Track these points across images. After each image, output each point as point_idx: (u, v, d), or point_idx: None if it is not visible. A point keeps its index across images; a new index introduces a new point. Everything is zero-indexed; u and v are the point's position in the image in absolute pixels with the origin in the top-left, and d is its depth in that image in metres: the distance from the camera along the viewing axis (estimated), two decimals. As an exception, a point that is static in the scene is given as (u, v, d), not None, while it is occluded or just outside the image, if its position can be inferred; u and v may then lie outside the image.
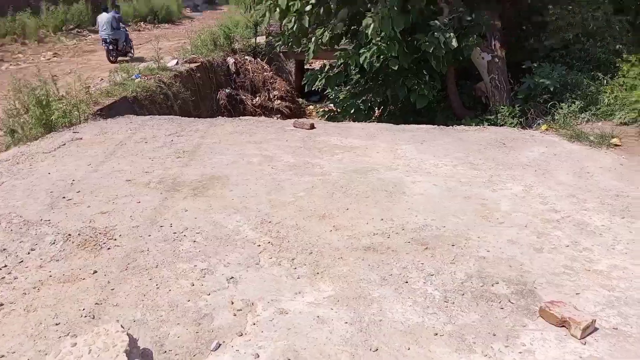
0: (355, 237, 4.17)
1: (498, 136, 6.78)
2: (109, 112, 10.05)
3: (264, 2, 8.85)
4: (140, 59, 15.77)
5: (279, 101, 16.67)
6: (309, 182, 5.32)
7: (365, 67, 8.20)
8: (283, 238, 4.18)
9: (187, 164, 5.89)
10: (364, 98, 9.44)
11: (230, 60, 16.21)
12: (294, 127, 7.35)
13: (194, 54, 15.11)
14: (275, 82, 16.95)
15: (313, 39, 8.59)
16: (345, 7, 8.25)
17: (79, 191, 5.14)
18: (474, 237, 4.12)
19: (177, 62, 14.28)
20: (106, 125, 7.58)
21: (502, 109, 8.67)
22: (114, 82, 11.23)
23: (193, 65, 14.24)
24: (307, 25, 8.37)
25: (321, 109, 10.94)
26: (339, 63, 9.25)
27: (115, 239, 4.16)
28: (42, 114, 7.49)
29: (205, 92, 14.58)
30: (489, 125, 8.57)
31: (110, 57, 14.56)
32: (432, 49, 7.89)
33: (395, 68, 8.10)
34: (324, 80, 9.62)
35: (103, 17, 14.59)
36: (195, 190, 5.16)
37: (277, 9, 8.55)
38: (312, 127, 7.27)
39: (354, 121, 9.93)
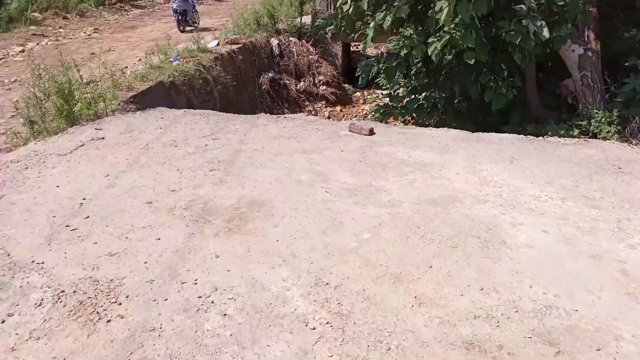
0: (449, 321, 2.89)
1: (608, 155, 5.29)
2: (143, 98, 8.95)
3: None
4: (206, 29, 15.47)
5: (324, 87, 15.32)
6: (374, 217, 4.03)
7: (433, 59, 6.76)
8: (347, 316, 2.93)
9: (222, 180, 4.69)
10: (426, 94, 8.01)
11: (274, 41, 14.89)
12: (350, 132, 6.03)
13: (236, 34, 13.84)
14: (321, 66, 15.57)
15: (372, 24, 7.17)
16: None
17: (87, 217, 4.01)
18: (626, 334, 2.77)
19: (218, 42, 13.05)
20: (134, 121, 6.43)
21: (596, 113, 7.11)
22: (150, 64, 10.12)
23: (235, 47, 13.00)
24: (365, 8, 6.95)
25: (374, 103, 9.51)
26: (400, 52, 7.83)
27: (120, 303, 3.00)
28: (63, 105, 6.42)
29: (247, 76, 13.35)
30: (580, 132, 7.04)
31: (180, 27, 14.85)
32: (518, 40, 6.39)
33: (472, 62, 6.64)
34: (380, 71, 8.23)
35: None
36: (230, 222, 3.95)
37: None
38: (371, 132, 5.94)
39: (413, 119, 8.55)
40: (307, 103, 15.05)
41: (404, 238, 3.74)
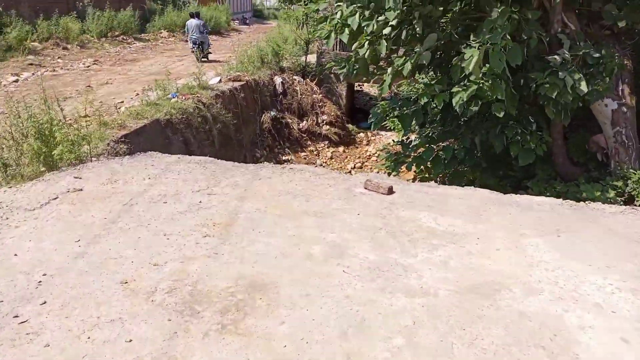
0: None
1: (669, 230, 4.49)
2: (135, 138, 8.15)
3: (329, 21, 6.77)
4: (216, 61, 16.25)
5: (327, 127, 14.62)
6: (406, 312, 3.16)
7: (457, 109, 6.00)
8: None
9: (217, 251, 3.82)
10: (443, 144, 7.24)
11: (278, 79, 14.25)
12: (366, 189, 5.21)
13: (238, 71, 13.20)
14: (325, 106, 14.91)
15: (390, 70, 6.45)
16: (435, 32, 6.10)
17: (44, 302, 3.12)
18: None
19: (220, 79, 12.38)
20: (119, 168, 5.58)
21: (633, 173, 6.35)
22: (146, 101, 9.37)
23: (237, 84, 12.32)
24: (383, 52, 6.24)
25: (383, 149, 8.74)
26: (419, 99, 7.11)
27: None
28: (41, 148, 5.59)
29: (249, 114, 12.62)
30: (616, 194, 6.25)
31: (199, 58, 15.33)
32: (554, 93, 5.66)
33: (500, 115, 5.90)
34: (395, 118, 7.49)
35: (192, 23, 16.10)
36: (225, 315, 3.06)
37: (346, 30, 6.47)
38: (390, 191, 5.12)
39: (427, 170, 7.75)
40: (309, 143, 14.31)
41: (447, 346, 2.86)
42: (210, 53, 16.66)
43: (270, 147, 13.20)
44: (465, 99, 5.78)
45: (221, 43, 23.57)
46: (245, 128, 12.39)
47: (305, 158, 13.81)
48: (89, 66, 15.56)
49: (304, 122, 14.40)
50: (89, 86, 12.66)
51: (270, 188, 5.10)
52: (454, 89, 5.96)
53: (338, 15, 6.59)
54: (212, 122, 10.52)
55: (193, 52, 15.95)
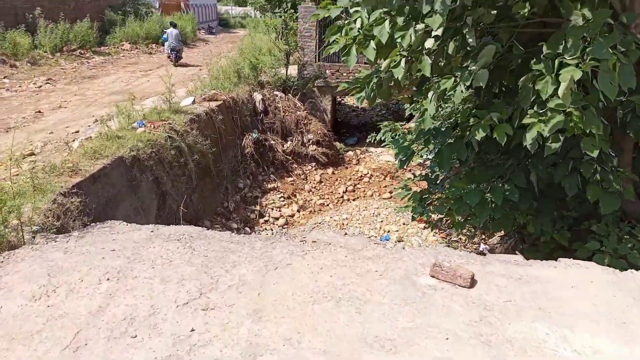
0: None
1: None
2: (92, 186, 6.14)
3: (346, 32, 4.96)
4: (184, 65, 17.80)
5: (314, 147, 12.81)
6: None
7: (528, 146, 4.31)
8: None
9: None
10: (490, 184, 5.54)
11: (258, 96, 12.36)
12: (433, 277, 3.45)
13: (214, 89, 11.25)
14: (310, 124, 13.09)
15: (431, 95, 4.70)
16: (492, 43, 4.38)
17: None
18: None
19: (194, 99, 10.41)
20: (63, 260, 3.59)
21: None
22: (106, 134, 7.33)
23: (213, 105, 10.37)
24: (428, 73, 4.48)
25: (403, 185, 6.96)
26: (456, 126, 5.43)
27: None
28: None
29: (228, 139, 10.69)
30: None
31: (174, 62, 17.15)
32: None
33: (594, 154, 4.25)
34: (426, 151, 5.77)
35: (173, 32, 17.09)
36: None
37: (371, 43, 4.69)
38: (472, 283, 3.37)
39: (455, 213, 6.02)
40: (295, 166, 12.47)
41: None
42: (182, 58, 17.93)
43: (253, 174, 11.29)
44: (547, 133, 4.10)
45: (188, 54, 21.41)
46: (225, 155, 10.45)
47: (292, 184, 11.97)
48: (40, 86, 13.26)
49: (289, 142, 12.56)
50: (38, 112, 10.46)
51: (294, 286, 3.27)
52: (527, 120, 4.26)
53: (358, 24, 4.80)
54: (188, 153, 8.56)
55: (169, 58, 17.41)
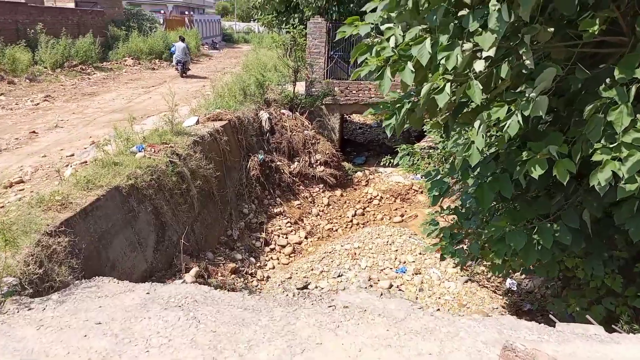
0: None
1: None
2: (83, 222, 5.40)
3: (377, 53, 4.20)
4: (191, 76, 18.40)
5: (322, 167, 12.07)
6: None
7: (598, 189, 3.55)
8: None
9: None
10: (537, 224, 4.76)
11: (264, 115, 11.65)
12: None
13: (218, 107, 10.55)
14: (318, 143, 12.37)
15: (478, 124, 3.95)
16: (551, 66, 3.63)
17: None
18: None
19: (198, 119, 9.69)
20: (34, 336, 2.83)
21: None
22: (101, 160, 6.58)
23: (218, 125, 9.65)
24: (478, 100, 3.72)
25: (429, 218, 6.16)
26: (495, 157, 4.70)
27: None
28: None
29: (233, 161, 9.95)
30: None
31: (181, 74, 17.95)
32: None
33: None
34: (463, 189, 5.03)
35: (180, 45, 17.66)
36: None
37: (408, 65, 3.95)
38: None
39: (505, 261, 5.26)
40: (302, 188, 11.72)
41: None
42: (190, 70, 18.76)
43: (259, 198, 10.54)
44: (625, 174, 3.34)
45: (192, 71, 20.79)
46: (229, 178, 9.70)
47: (299, 207, 11.20)
48: (38, 103, 12.56)
49: (295, 163, 11.82)
50: (33, 132, 9.73)
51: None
52: (597, 157, 3.51)
53: (392, 43, 4.07)
54: (191, 179, 7.82)
55: (176, 69, 18.21)
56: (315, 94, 12.78)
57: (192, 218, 7.88)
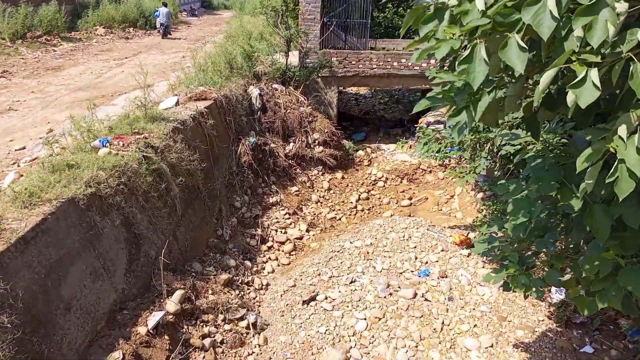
0: None
1: None
2: (21, 255, 3.85)
3: (452, 20, 2.62)
4: (177, 39, 18.90)
5: (320, 148, 10.57)
6: None
7: None
8: None
9: None
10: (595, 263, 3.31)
11: (254, 91, 9.98)
12: None
13: (201, 84, 8.85)
14: (315, 121, 10.79)
15: (625, 128, 2.42)
16: None
17: None
18: None
19: (177, 100, 8.02)
20: None
21: None
22: (51, 163, 4.94)
23: (202, 106, 7.99)
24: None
25: (486, 242, 4.66)
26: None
27: None
28: None
29: (221, 147, 8.35)
30: None
31: (163, 36, 18.71)
32: None
33: None
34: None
35: (164, 10, 18.74)
36: None
37: (514, 38, 2.38)
38: None
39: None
40: (299, 171, 10.22)
41: None
42: (171, 34, 19.48)
43: (252, 188, 9.01)
44: None
45: (169, 39, 18.71)
46: (217, 168, 8.13)
47: (297, 194, 9.73)
48: (-8, 81, 10.67)
49: (291, 144, 10.27)
50: (-20, 118, 8.01)
51: None
52: None
53: (480, 4, 2.49)
54: (171, 176, 6.25)
55: (159, 32, 18.98)
56: (310, 66, 11.10)
57: (175, 223, 6.36)
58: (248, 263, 7.39)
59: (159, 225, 5.94)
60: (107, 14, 19.41)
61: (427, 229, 8.05)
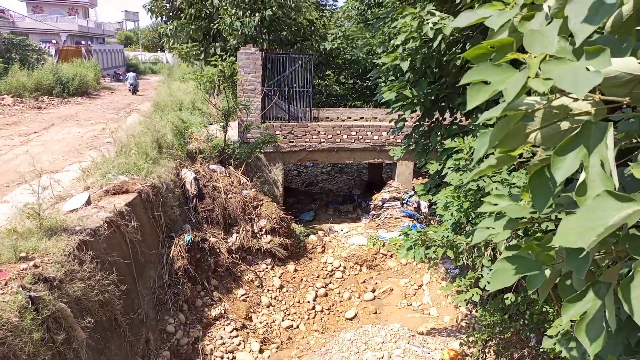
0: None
1: None
2: None
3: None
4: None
5: (268, 237, 8.94)
6: None
7: None
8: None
9: None
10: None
11: (189, 175, 8.29)
12: None
13: (122, 173, 7.04)
14: (261, 205, 9.22)
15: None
16: None
17: None
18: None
19: (89, 197, 6.15)
20: None
21: None
22: None
23: (122, 202, 6.17)
24: None
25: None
26: None
27: None
28: None
29: (148, 254, 6.49)
30: None
31: (133, 93, 22.26)
32: None
33: None
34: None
35: (131, 74, 23.68)
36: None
37: None
38: None
39: None
40: (244, 268, 8.48)
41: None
42: (138, 91, 22.82)
43: (189, 300, 7.11)
44: None
45: (88, 107, 16.60)
46: (143, 285, 6.23)
47: (244, 299, 7.93)
48: None
49: (234, 235, 8.58)
50: None
51: None
52: None
53: None
54: (77, 312, 4.34)
55: (129, 90, 22.33)
56: (252, 141, 9.67)
57: (79, 385, 4.36)
58: (186, 414, 5.42)
59: (53, 400, 3.94)
60: (16, 82, 17.09)
61: (408, 343, 6.55)
